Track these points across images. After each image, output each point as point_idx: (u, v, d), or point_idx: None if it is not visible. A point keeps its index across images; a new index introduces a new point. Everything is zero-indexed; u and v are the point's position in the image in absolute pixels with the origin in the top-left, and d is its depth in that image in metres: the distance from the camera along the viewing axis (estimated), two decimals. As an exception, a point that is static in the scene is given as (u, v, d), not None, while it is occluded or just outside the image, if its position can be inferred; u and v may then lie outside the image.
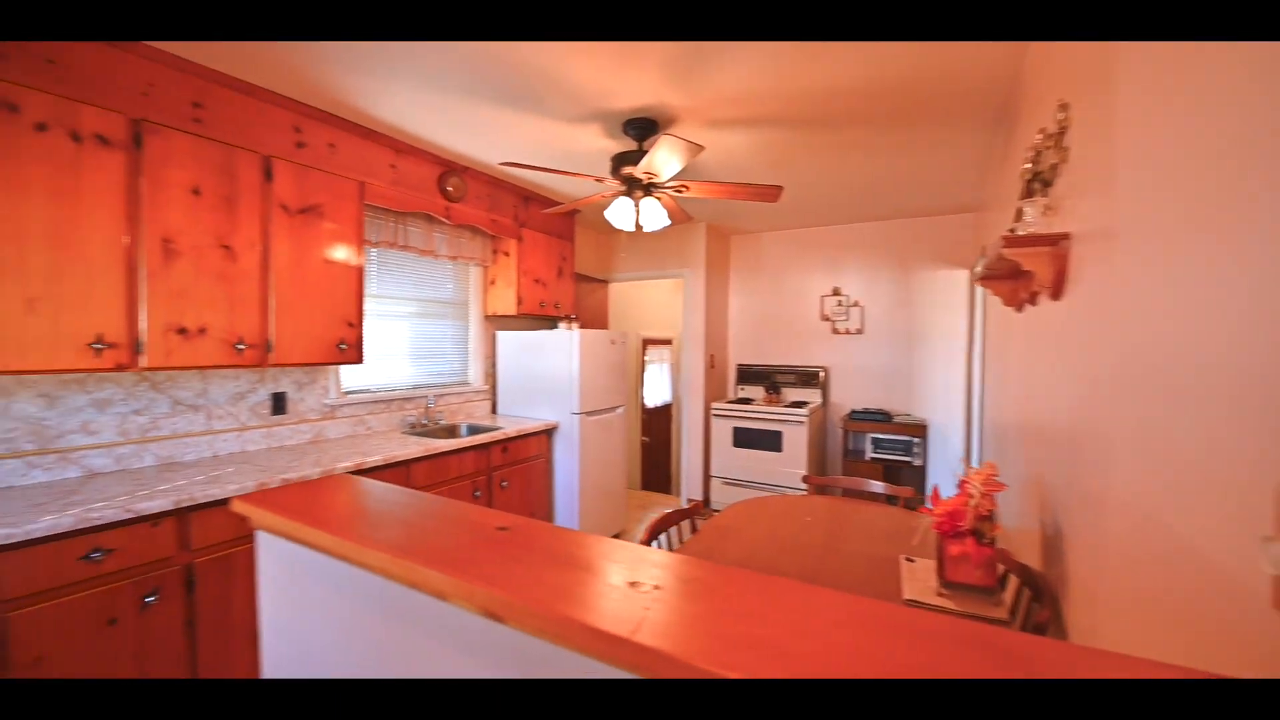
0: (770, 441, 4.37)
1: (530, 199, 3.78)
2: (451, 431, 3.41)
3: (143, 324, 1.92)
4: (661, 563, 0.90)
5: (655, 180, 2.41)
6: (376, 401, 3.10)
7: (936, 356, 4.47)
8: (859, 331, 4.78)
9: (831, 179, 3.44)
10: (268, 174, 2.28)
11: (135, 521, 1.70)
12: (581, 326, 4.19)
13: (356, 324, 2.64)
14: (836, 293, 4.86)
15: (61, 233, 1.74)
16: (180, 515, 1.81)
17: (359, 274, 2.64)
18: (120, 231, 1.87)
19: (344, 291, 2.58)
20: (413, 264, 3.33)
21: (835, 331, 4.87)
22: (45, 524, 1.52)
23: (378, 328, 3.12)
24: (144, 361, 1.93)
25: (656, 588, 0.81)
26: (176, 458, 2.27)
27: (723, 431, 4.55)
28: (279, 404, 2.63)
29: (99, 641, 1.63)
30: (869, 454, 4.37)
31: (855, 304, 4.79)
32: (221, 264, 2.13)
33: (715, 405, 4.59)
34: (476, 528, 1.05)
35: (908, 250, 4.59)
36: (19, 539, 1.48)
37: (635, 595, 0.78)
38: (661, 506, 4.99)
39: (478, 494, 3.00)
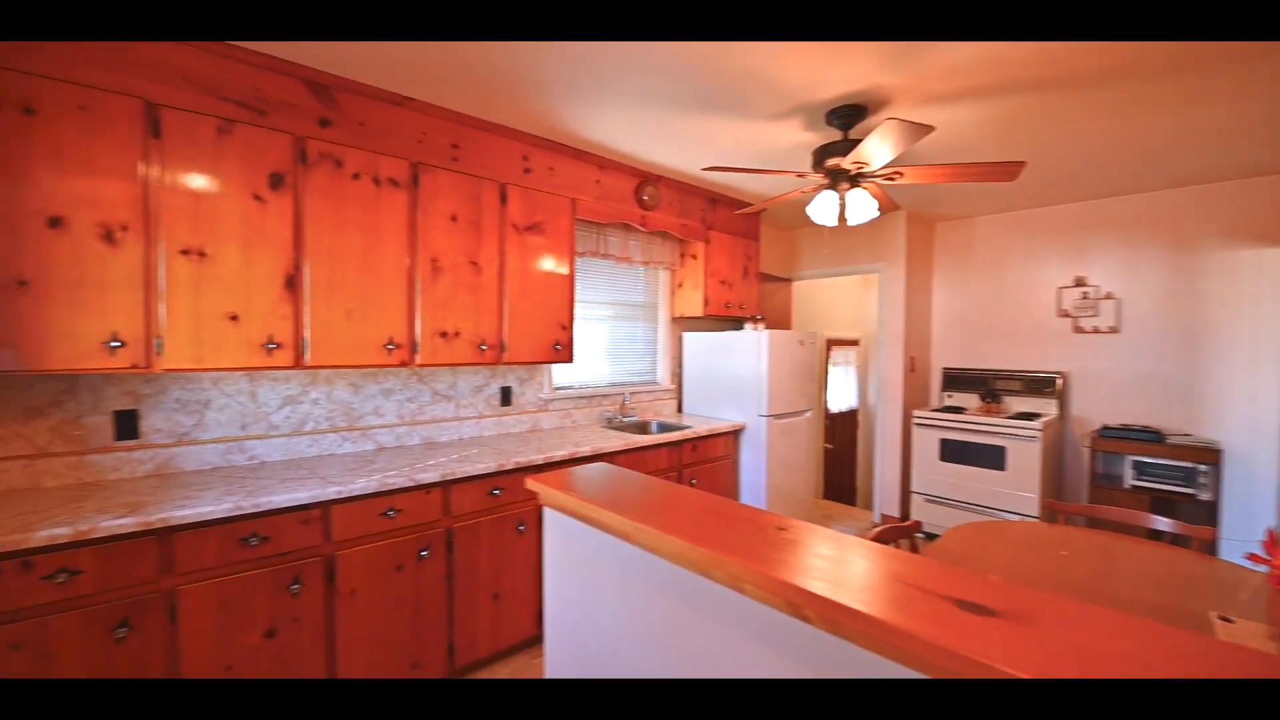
0: (990, 457, 3.80)
1: (717, 201, 3.81)
2: (643, 428, 3.59)
3: (417, 329, 2.37)
4: (983, 585, 0.83)
5: (864, 170, 2.25)
6: (580, 397, 3.40)
7: (1235, 362, 3.47)
8: (1112, 330, 3.92)
9: (1077, 147, 2.86)
10: (503, 198, 2.64)
11: (415, 489, 2.10)
12: (767, 327, 4.11)
13: (568, 327, 2.92)
14: (1080, 283, 4.04)
15: (368, 258, 2.22)
16: (445, 486, 2.19)
17: (570, 282, 2.92)
18: (403, 255, 2.32)
19: (558, 298, 2.87)
20: (609, 271, 3.58)
21: (1078, 330, 4.05)
22: (360, 485, 1.95)
23: (581, 330, 3.42)
24: (418, 359, 2.37)
25: (989, 608, 0.74)
26: (435, 438, 2.76)
27: (927, 443, 4.09)
28: (506, 397, 3.03)
29: (390, 582, 2.05)
30: (1129, 481, 3.56)
31: (1107, 296, 3.94)
32: (470, 278, 2.53)
33: (918, 413, 4.14)
34: (755, 525, 1.09)
35: (1185, 226, 3.63)
36: (345, 495, 1.92)
37: (972, 618, 0.73)
38: (847, 519, 4.67)
39: (693, 482, 3.11)
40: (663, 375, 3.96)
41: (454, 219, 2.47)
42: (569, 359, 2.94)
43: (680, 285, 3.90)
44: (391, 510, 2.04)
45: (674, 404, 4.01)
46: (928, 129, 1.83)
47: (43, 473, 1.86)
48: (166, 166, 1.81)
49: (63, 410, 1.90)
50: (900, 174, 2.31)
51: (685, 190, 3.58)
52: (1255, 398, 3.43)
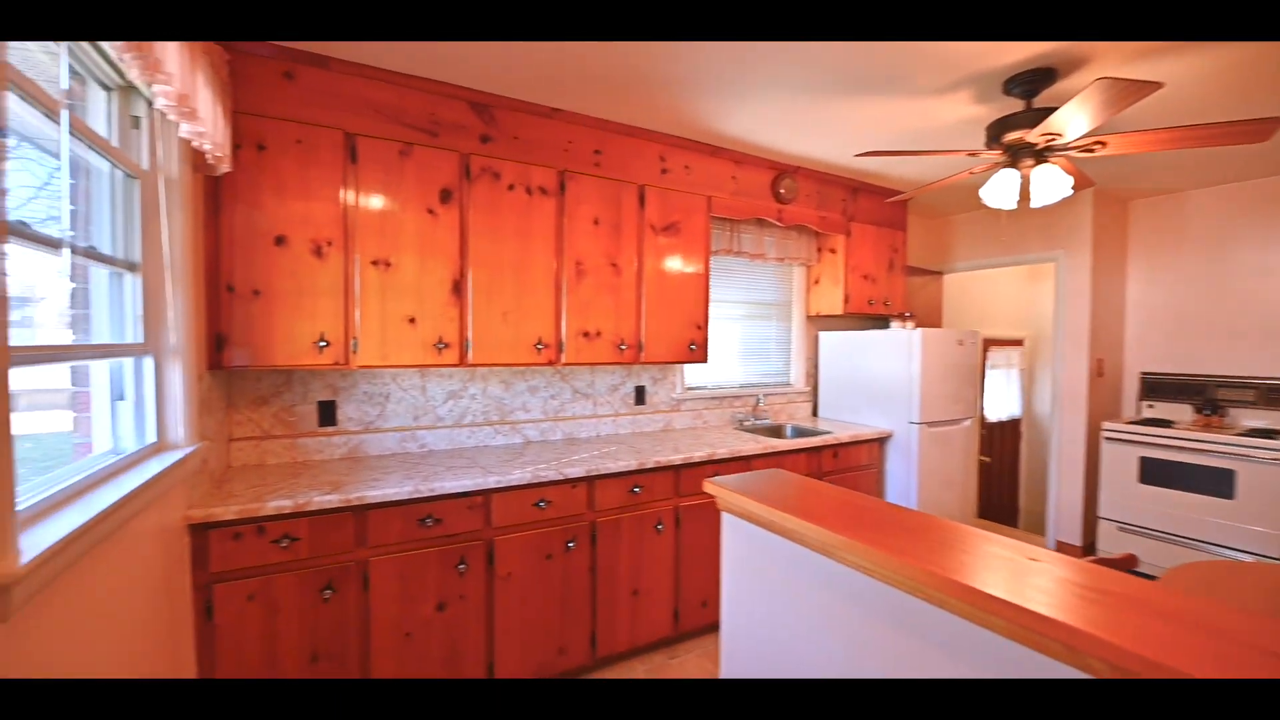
0: (1211, 482, 3.12)
1: (859, 191, 3.55)
2: (777, 431, 3.45)
3: (563, 329, 2.47)
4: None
5: (1055, 143, 1.94)
6: (712, 398, 3.35)
7: None
8: (1401, 325, 3.02)
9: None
10: (641, 200, 2.67)
11: (563, 482, 2.19)
12: (916, 325, 3.74)
13: (703, 326, 2.89)
14: (1347, 267, 3.18)
15: (520, 263, 2.36)
16: (590, 481, 2.26)
17: (705, 281, 2.88)
18: (551, 259, 2.43)
19: (693, 297, 2.85)
20: (742, 269, 3.49)
21: (1343, 326, 3.19)
22: (516, 476, 2.07)
23: (713, 330, 3.36)
24: (563, 359, 2.48)
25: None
26: (575, 434, 2.86)
27: (1121, 461, 3.46)
28: (640, 396, 3.07)
29: (541, 569, 2.15)
30: None
31: (1393, 282, 3.05)
32: (610, 279, 2.59)
33: (1109, 426, 3.53)
34: (997, 555, 1.01)
35: None
36: (503, 485, 2.05)
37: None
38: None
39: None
40: (796, 377, 3.78)
41: (596, 222, 2.54)
42: (703, 359, 2.90)
43: (816, 282, 3.69)
44: (542, 501, 2.14)
45: (808, 407, 3.81)
46: (1153, 86, 1.52)
47: (267, 452, 2.21)
48: (360, 188, 2.06)
49: (281, 400, 2.24)
50: (1102, 144, 1.96)
51: (824, 181, 3.38)
52: None
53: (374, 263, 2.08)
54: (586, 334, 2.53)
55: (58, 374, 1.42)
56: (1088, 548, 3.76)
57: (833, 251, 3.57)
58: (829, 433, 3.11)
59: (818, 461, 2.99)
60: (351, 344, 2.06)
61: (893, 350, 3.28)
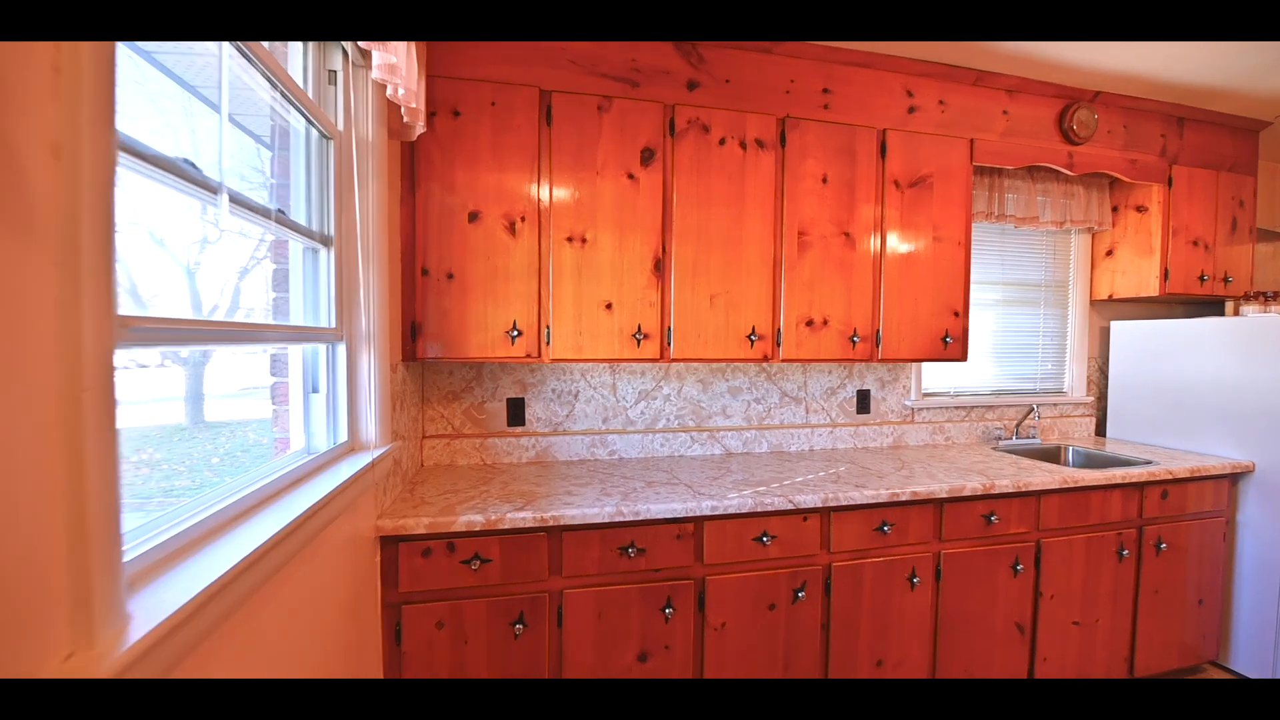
0: None
1: (1187, 122, 2.51)
2: (1052, 455, 2.57)
3: (781, 317, 1.97)
4: None
5: None
6: (956, 408, 2.59)
7: None
8: None
9: None
10: (882, 150, 2.06)
11: (793, 513, 1.68)
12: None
13: (962, 313, 2.18)
14: None
15: (731, 235, 1.91)
16: (824, 514, 1.72)
17: (966, 252, 2.17)
18: (768, 229, 1.94)
19: (949, 274, 2.15)
20: (996, 239, 2.66)
21: None
22: (734, 501, 1.62)
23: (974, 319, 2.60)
24: (781, 353, 1.97)
25: None
26: (784, 446, 2.34)
27: None
28: (863, 402, 2.45)
29: (762, 622, 1.67)
30: None
31: None
32: (841, 252, 2.02)
33: None
34: None
35: None
36: (719, 512, 1.60)
37: None
38: None
39: (1124, 552, 2.07)
40: (1073, 382, 2.83)
41: (824, 180, 1.99)
42: (961, 355, 2.19)
43: (1109, 253, 2.71)
44: (766, 536, 1.66)
45: (1089, 424, 2.82)
46: None
47: (457, 452, 2.04)
48: (555, 153, 1.77)
49: (471, 396, 2.06)
50: None
51: (1134, 111, 2.42)
52: None
53: (569, 239, 1.78)
54: (810, 322, 1.99)
55: (258, 363, 1.28)
56: None
57: (1140, 210, 2.57)
58: (1151, 462, 2.18)
59: (1138, 504, 2.10)
60: (544, 334, 1.78)
61: (1262, 346, 2.21)
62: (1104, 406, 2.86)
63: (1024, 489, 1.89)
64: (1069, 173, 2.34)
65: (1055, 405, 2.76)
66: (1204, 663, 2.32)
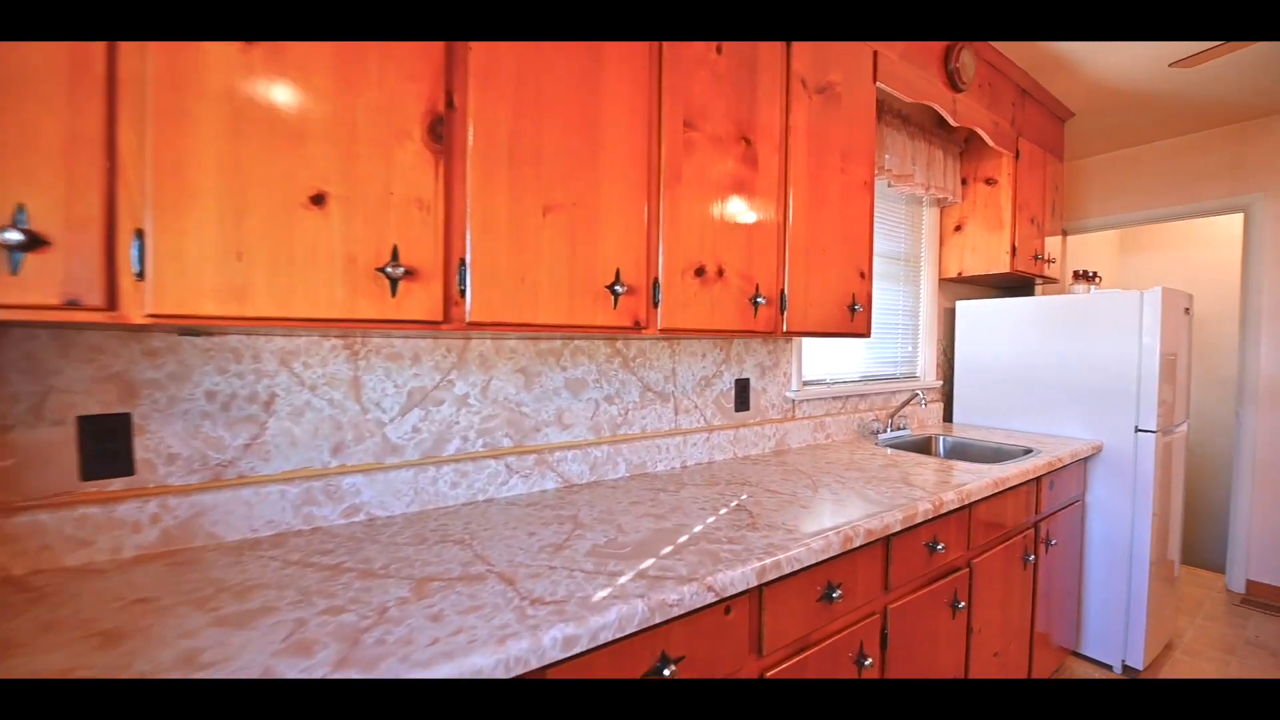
0: None
1: (1028, 96, 2.43)
2: (924, 447, 2.28)
3: (659, 259, 1.19)
4: None
5: None
6: (834, 398, 2.14)
7: None
8: None
9: None
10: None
11: (708, 608, 0.90)
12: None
13: (868, 275, 1.66)
14: None
15: (582, 105, 1.06)
16: (754, 596, 0.98)
17: (872, 197, 1.66)
18: (640, 108, 1.14)
19: (857, 223, 1.62)
20: (865, 202, 2.29)
21: None
22: (612, 615, 0.77)
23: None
24: (660, 319, 1.19)
25: None
26: (648, 466, 1.57)
27: (1374, 478, 2.48)
28: (743, 395, 1.82)
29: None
30: None
31: None
32: (741, 167, 1.32)
33: (1355, 429, 2.54)
34: None
35: None
36: (582, 643, 0.74)
37: None
38: (1204, 591, 3.08)
39: (1030, 557, 1.78)
40: (926, 366, 2.62)
41: (718, 50, 1.27)
42: (866, 330, 1.68)
43: (959, 228, 2.54)
44: (667, 662, 0.85)
45: (939, 409, 2.65)
46: None
47: (-69, 551, 0.82)
48: None
49: (-18, 414, 0.86)
50: None
51: (995, 70, 2.23)
52: None
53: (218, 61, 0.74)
54: (701, 271, 1.25)
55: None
56: (1306, 596, 2.78)
57: (989, 183, 2.43)
58: (1032, 451, 1.95)
59: (1035, 498, 1.83)
60: (137, 257, 0.71)
61: (1107, 323, 2.15)
62: (949, 391, 2.73)
63: (966, 500, 1.42)
64: (952, 121, 2.02)
65: (912, 390, 2.51)
66: (1067, 655, 2.21)
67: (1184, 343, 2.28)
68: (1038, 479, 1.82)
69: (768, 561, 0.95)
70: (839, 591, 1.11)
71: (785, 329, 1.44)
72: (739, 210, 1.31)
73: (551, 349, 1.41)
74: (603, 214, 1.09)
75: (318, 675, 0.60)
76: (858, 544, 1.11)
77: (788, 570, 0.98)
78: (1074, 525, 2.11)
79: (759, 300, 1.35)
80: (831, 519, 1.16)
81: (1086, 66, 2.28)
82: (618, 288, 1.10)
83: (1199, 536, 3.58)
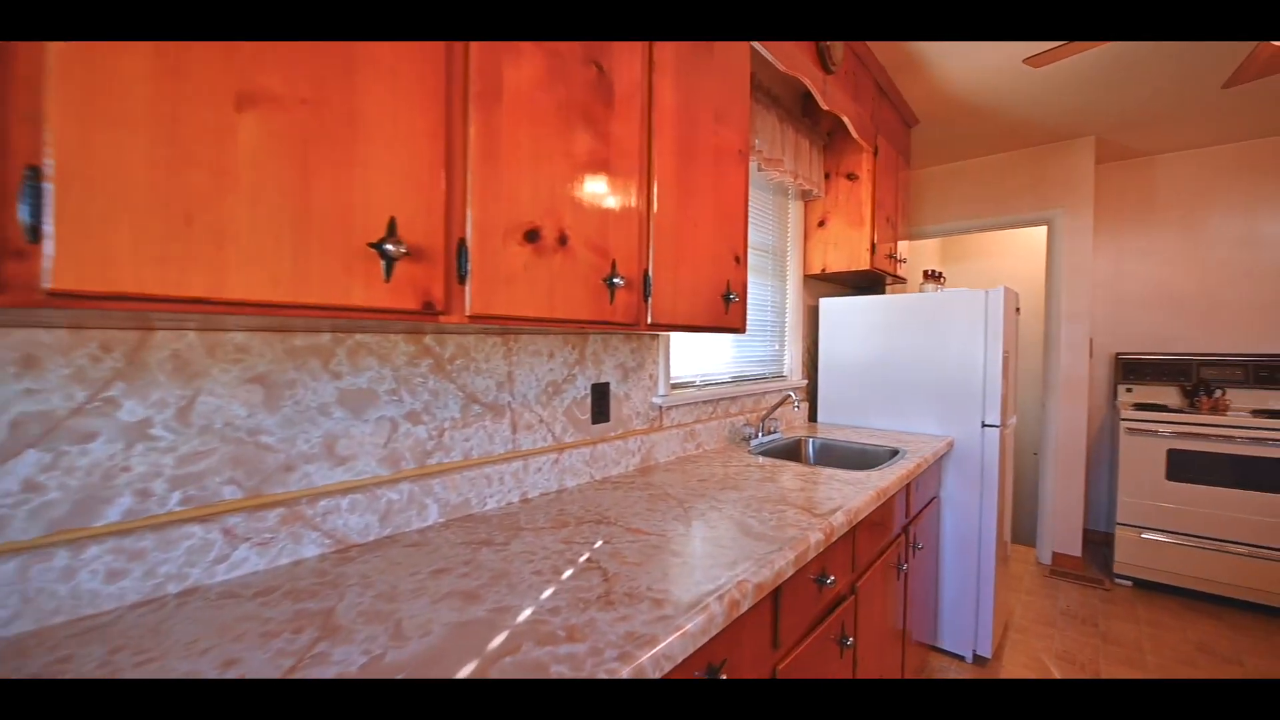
0: (1261, 476, 2.62)
1: (886, 94, 2.42)
2: (795, 450, 2.14)
3: (470, 207, 0.80)
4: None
5: None
6: (704, 402, 1.90)
7: None
8: (1378, 296, 2.86)
9: None
10: (647, -69, 1.11)
11: (529, 780, 0.54)
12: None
13: (743, 259, 1.42)
14: (1324, 235, 2.97)
15: (317, -57, 0.64)
16: (612, 730, 0.64)
17: (746, 171, 1.43)
18: (428, -23, 0.75)
19: (732, 199, 1.37)
20: (734, 188, 2.10)
21: (1321, 298, 2.98)
22: None
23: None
24: (470, 300, 0.80)
25: None
26: (473, 505, 1.17)
27: (1144, 455, 2.87)
28: (601, 404, 1.49)
29: None
30: None
31: (1371, 251, 2.88)
32: (591, 101, 0.98)
33: (1130, 415, 2.92)
34: None
35: None
36: None
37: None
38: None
39: (903, 566, 1.68)
40: (792, 365, 2.52)
41: (554, -71, 0.92)
42: (740, 324, 1.44)
43: (822, 224, 2.47)
44: None
45: (805, 408, 2.57)
46: None
47: None
48: None
49: None
50: None
51: (859, 61, 2.17)
52: None
53: None
54: (534, 234, 0.89)
55: None
56: (1102, 562, 3.16)
57: (850, 177, 2.38)
58: (900, 452, 1.88)
59: (906, 502, 1.74)
60: None
61: (957, 320, 2.18)
62: (814, 389, 2.68)
63: (855, 520, 1.23)
64: (823, 103, 1.88)
65: (781, 391, 2.39)
66: (928, 652, 2.21)
67: (1014, 340, 2.41)
68: (908, 484, 1.73)
69: (625, 671, 0.61)
70: (721, 673, 0.81)
71: (651, 320, 1.13)
72: (589, 159, 0.97)
73: (314, 347, 0.95)
74: (364, 126, 0.68)
75: None
76: (746, 608, 0.83)
77: (654, 674, 0.66)
78: (933, 524, 2.10)
79: (615, 281, 1.02)
80: (711, 573, 0.87)
81: (935, 69, 2.31)
82: (391, 247, 0.69)
83: (1016, 515, 4.03)
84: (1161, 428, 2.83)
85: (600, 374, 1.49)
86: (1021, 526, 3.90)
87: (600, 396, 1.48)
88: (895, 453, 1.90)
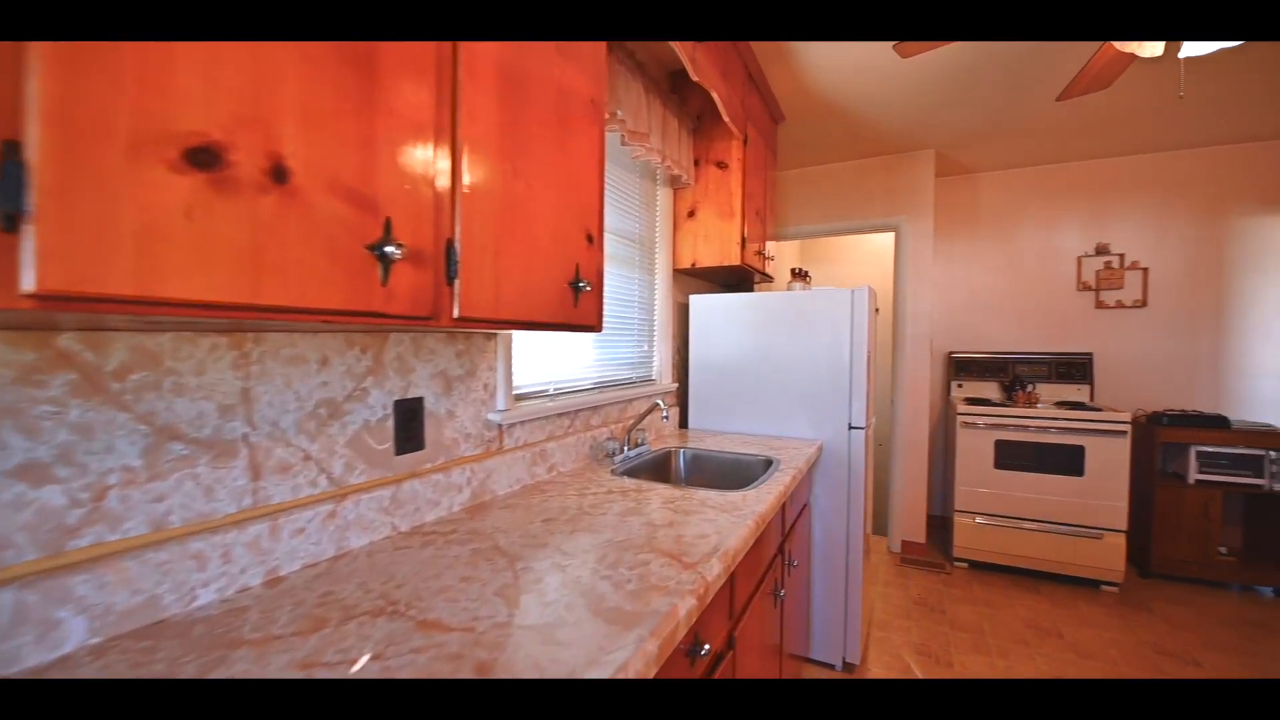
0: (1064, 461, 2.94)
1: (756, 82, 2.29)
2: (665, 465, 1.91)
3: (33, 90, 0.40)
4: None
5: None
6: (560, 414, 1.59)
7: (1266, 338, 3.13)
8: (1138, 304, 3.39)
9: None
10: None
11: None
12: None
13: (597, 239, 1.13)
14: (1102, 251, 3.47)
15: None
16: None
17: (601, 127, 1.13)
18: None
19: (582, 162, 1.07)
20: (594, 164, 1.82)
21: (1101, 305, 3.47)
22: None
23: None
24: (35, 275, 0.41)
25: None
26: (166, 609, 0.74)
27: (976, 446, 3.11)
28: (410, 427, 1.11)
29: None
30: (1193, 476, 2.97)
31: (1133, 266, 3.40)
32: (333, -44, 0.61)
33: (965, 410, 3.15)
34: None
35: (1219, 189, 3.22)
36: None
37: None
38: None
39: (781, 593, 1.51)
40: (661, 367, 2.30)
41: None
42: (596, 320, 1.14)
43: (692, 214, 2.29)
44: None
45: (675, 413, 2.37)
46: None
47: None
48: None
49: None
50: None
51: (730, 41, 1.99)
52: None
53: None
54: (208, 154, 0.50)
55: None
56: (944, 548, 3.39)
57: (720, 166, 2.22)
58: (775, 463, 1.73)
59: (783, 519, 1.58)
60: None
61: (825, 319, 2.11)
62: (684, 393, 2.49)
63: (733, 565, 0.99)
64: (692, 73, 1.66)
65: (649, 397, 2.16)
66: (802, 665, 2.11)
67: (875, 341, 2.43)
68: (784, 501, 1.58)
69: None
70: None
71: (460, 313, 0.79)
72: (337, 55, 0.61)
73: None
74: None
75: None
76: (581, 763, 0.53)
77: None
78: (806, 534, 2.00)
79: (389, 251, 0.66)
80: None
81: (801, 61, 2.23)
82: None
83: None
84: (986, 420, 3.08)
85: (409, 386, 1.11)
86: (874, 517, 4.13)
87: (409, 417, 1.10)
88: (770, 463, 1.75)
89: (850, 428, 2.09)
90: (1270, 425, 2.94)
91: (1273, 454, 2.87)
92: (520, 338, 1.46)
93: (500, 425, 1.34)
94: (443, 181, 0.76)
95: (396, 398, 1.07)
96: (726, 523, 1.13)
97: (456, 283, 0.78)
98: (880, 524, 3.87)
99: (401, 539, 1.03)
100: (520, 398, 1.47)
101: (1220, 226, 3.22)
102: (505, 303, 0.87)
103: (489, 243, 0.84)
